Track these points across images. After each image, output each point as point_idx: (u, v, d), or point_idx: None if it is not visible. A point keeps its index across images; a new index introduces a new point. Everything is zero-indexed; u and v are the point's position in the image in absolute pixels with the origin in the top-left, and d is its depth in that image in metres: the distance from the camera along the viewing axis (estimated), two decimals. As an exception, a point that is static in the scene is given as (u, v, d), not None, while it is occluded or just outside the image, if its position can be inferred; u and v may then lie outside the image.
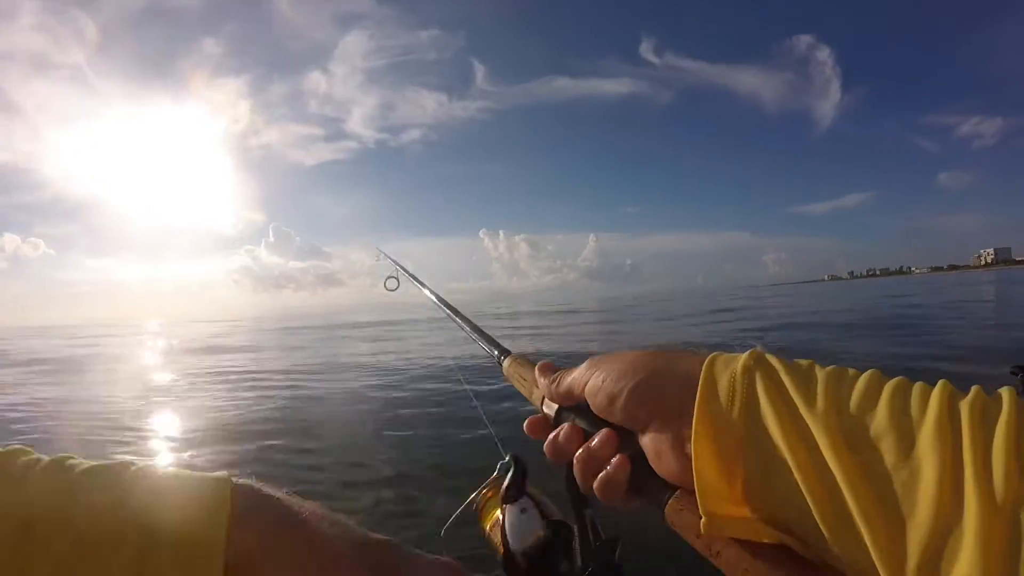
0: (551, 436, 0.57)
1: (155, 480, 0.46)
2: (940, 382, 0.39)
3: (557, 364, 0.64)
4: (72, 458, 0.46)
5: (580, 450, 0.53)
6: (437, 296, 1.02)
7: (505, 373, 0.75)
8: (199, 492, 0.45)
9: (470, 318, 0.91)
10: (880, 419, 0.37)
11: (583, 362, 0.57)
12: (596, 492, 0.52)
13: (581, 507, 0.59)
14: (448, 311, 0.97)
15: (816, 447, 0.38)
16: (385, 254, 1.39)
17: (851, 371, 0.42)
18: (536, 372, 0.65)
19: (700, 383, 0.44)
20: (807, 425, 0.39)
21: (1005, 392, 0.37)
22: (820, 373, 0.42)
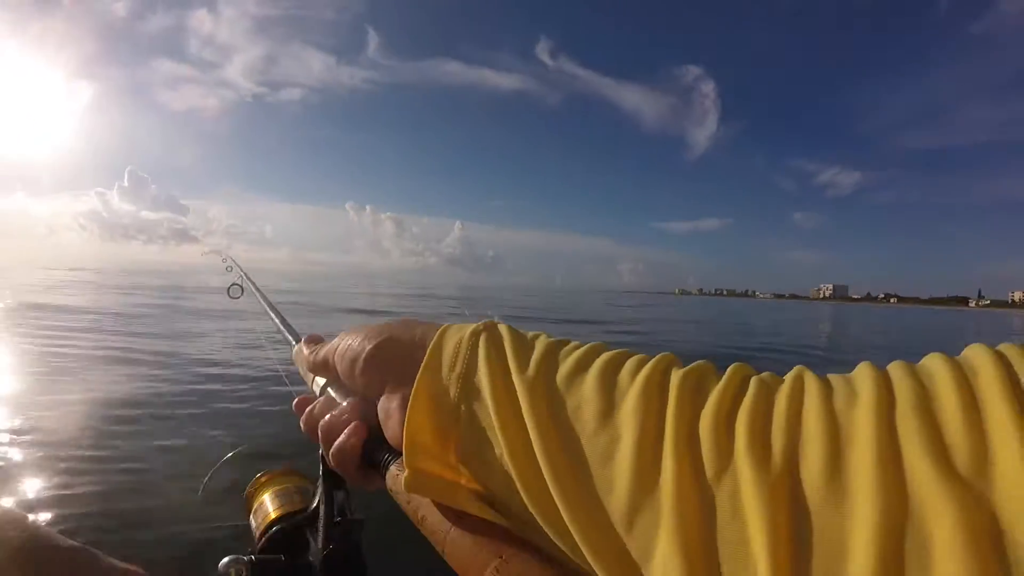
0: (307, 409, 0.55)
1: None
2: (661, 354, 0.37)
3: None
4: None
5: (324, 418, 0.51)
6: (277, 313, 0.93)
7: (294, 358, 0.71)
8: None
9: (295, 329, 0.84)
10: (587, 386, 0.36)
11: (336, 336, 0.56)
12: (333, 463, 0.49)
13: (330, 486, 0.57)
14: (265, 302, 0.99)
15: (521, 413, 0.37)
16: (234, 261, 1.33)
17: (574, 343, 0.41)
18: (302, 344, 0.64)
19: (429, 348, 0.43)
20: (516, 390, 0.38)
21: (732, 367, 0.35)
22: (542, 342, 0.42)
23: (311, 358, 0.57)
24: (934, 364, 0.29)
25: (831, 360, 13.30)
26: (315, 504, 0.62)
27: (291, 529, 0.65)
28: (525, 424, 0.36)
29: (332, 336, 0.59)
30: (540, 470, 0.34)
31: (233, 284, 1.18)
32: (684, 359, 0.38)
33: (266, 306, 0.96)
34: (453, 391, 0.40)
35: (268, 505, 0.70)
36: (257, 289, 1.12)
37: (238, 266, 1.29)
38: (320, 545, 0.58)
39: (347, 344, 0.51)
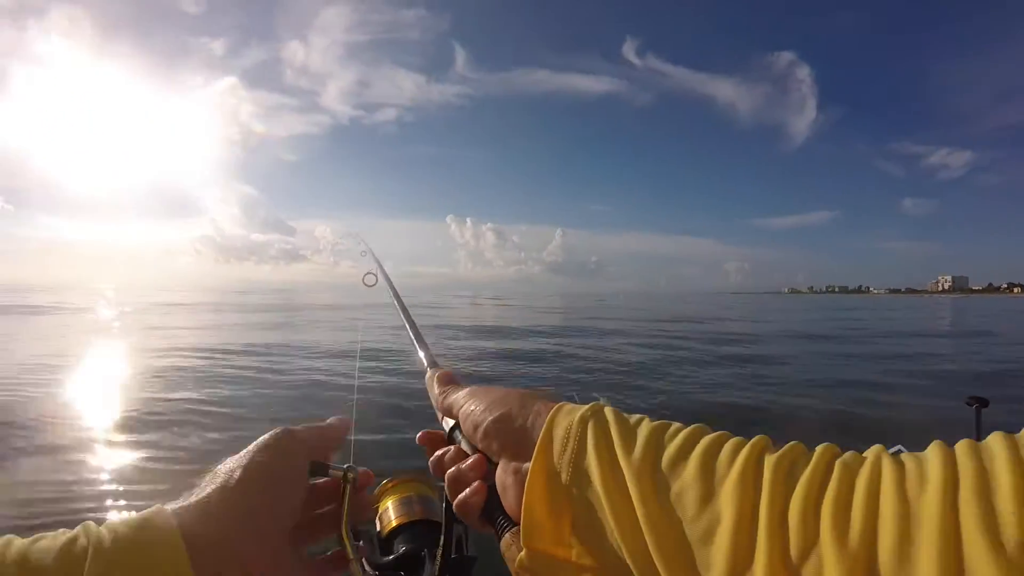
0: (436, 454, 0.61)
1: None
2: (756, 437, 0.42)
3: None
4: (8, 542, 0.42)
5: (452, 469, 0.57)
6: (401, 304, 1.08)
7: (426, 384, 0.76)
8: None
9: (419, 327, 0.95)
10: (689, 472, 0.41)
11: (469, 386, 0.63)
12: (456, 511, 0.56)
13: (450, 520, 0.62)
14: (404, 317, 1.03)
15: (629, 496, 0.42)
16: (369, 250, 1.37)
17: (675, 425, 0.46)
18: (435, 380, 0.69)
19: (543, 429, 0.49)
20: (624, 475, 0.43)
21: (819, 449, 0.39)
22: (645, 427, 0.46)
23: (441, 400, 0.64)
24: (996, 444, 0.32)
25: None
26: (438, 522, 0.67)
27: (410, 539, 0.72)
28: (633, 506, 0.41)
29: (460, 377, 0.69)
30: (648, 549, 0.39)
31: (368, 273, 1.23)
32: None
33: (400, 310, 1.02)
34: (565, 475, 0.45)
35: (391, 512, 0.75)
36: (387, 278, 1.19)
37: (372, 253, 1.33)
38: (436, 572, 0.65)
39: (471, 408, 0.57)
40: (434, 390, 0.70)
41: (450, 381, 0.68)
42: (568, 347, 12.39)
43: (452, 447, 0.61)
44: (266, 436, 0.54)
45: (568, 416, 0.48)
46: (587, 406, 0.50)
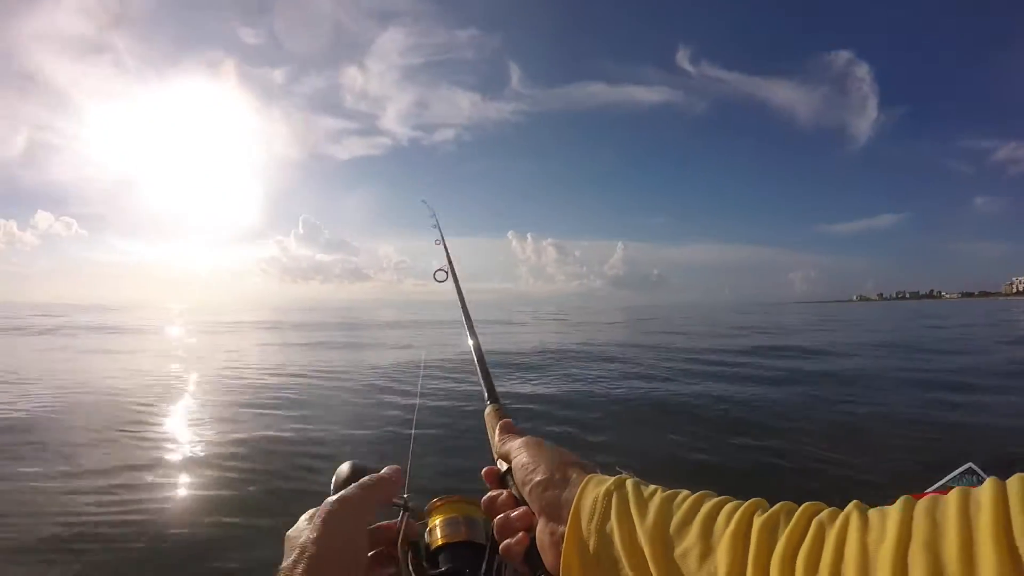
0: (491, 494, 0.71)
1: None
2: (750, 501, 0.51)
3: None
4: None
5: (501, 515, 0.68)
6: (466, 313, 1.10)
7: (485, 418, 0.85)
8: None
9: (484, 354, 0.98)
10: (692, 534, 0.50)
11: (523, 437, 0.72)
12: (500, 552, 0.66)
13: (494, 551, 0.69)
14: (469, 330, 1.05)
15: (645, 557, 0.51)
16: (445, 246, 1.39)
17: (683, 493, 0.55)
18: (494, 423, 0.81)
19: (575, 499, 0.59)
20: (640, 540, 0.52)
21: (801, 508, 0.48)
22: (658, 497, 0.55)
23: (499, 445, 0.75)
24: (951, 500, 0.38)
25: None
26: (482, 544, 0.76)
27: (454, 558, 0.76)
28: (648, 566, 0.50)
29: (515, 423, 0.79)
30: None
31: (439, 269, 1.25)
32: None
33: (467, 331, 1.04)
34: (593, 541, 0.55)
35: (439, 530, 0.80)
36: (454, 275, 1.21)
37: (445, 248, 1.36)
38: None
39: (521, 462, 0.67)
40: (492, 431, 0.80)
41: (509, 430, 0.78)
42: (625, 373, 11.81)
43: (505, 491, 0.71)
44: (322, 515, 0.62)
45: (596, 488, 0.58)
46: (612, 479, 0.59)
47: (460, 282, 1.28)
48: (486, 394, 0.88)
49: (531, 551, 0.63)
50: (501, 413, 0.84)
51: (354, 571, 0.61)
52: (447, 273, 1.27)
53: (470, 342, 1.04)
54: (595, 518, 0.56)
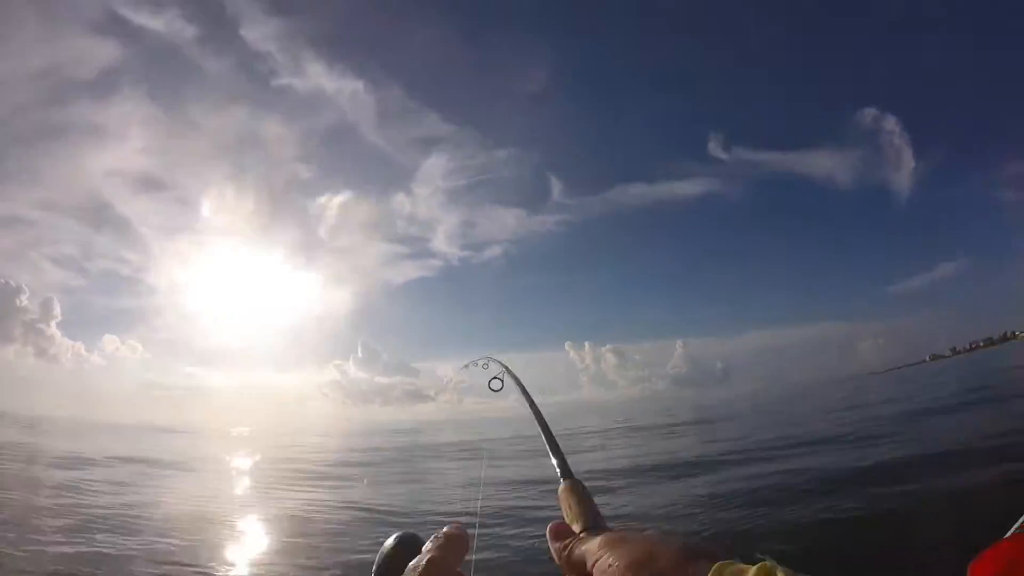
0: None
1: None
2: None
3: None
4: None
5: None
6: (531, 402, 1.02)
7: (559, 496, 0.74)
8: None
9: (555, 436, 0.89)
10: None
11: (599, 536, 0.58)
12: None
13: None
14: (537, 417, 0.94)
15: None
16: (494, 358, 1.38)
17: None
18: (549, 532, 0.66)
19: None
20: None
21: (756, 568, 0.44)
22: None
23: (563, 555, 0.61)
24: None
25: None
26: None
27: None
28: None
29: (592, 516, 0.66)
30: None
31: (494, 378, 1.21)
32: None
33: (529, 407, 0.95)
34: None
35: None
36: (515, 377, 1.14)
37: (501, 364, 1.32)
38: None
39: (609, 563, 0.53)
40: (568, 509, 0.70)
41: (565, 532, 0.65)
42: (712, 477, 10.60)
43: None
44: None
45: None
46: (753, 568, 0.44)
47: (517, 377, 1.28)
48: (558, 470, 0.78)
49: None
50: (581, 490, 0.73)
51: None
52: (501, 381, 1.19)
53: (534, 418, 0.93)
54: None
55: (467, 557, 0.61)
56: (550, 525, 0.66)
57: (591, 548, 0.56)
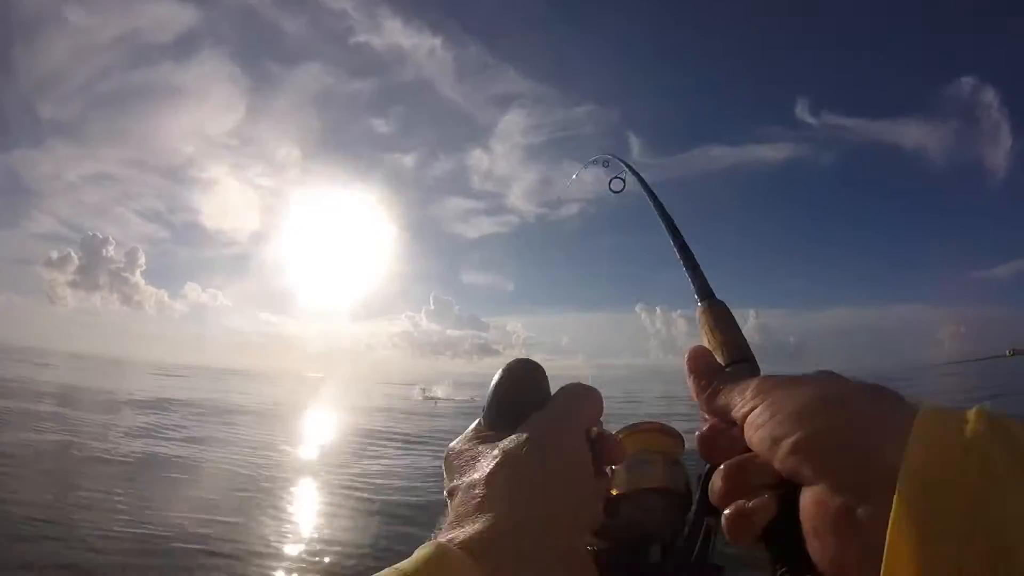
0: (714, 427, 0.45)
1: None
2: None
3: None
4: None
5: (731, 461, 0.42)
6: (658, 204, 0.81)
7: (697, 319, 0.58)
8: None
9: (689, 247, 0.70)
10: None
11: (753, 381, 0.43)
12: (724, 519, 0.42)
13: (704, 512, 0.48)
14: (665, 222, 0.77)
15: None
16: (616, 156, 1.09)
17: None
18: (688, 360, 0.51)
19: (908, 451, 0.31)
20: None
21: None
22: None
23: (705, 400, 0.47)
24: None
25: None
26: (681, 498, 0.57)
27: (638, 509, 0.57)
28: None
29: (739, 361, 0.49)
30: None
31: (615, 177, 1.03)
32: None
33: (663, 223, 0.76)
34: (964, 525, 0.28)
35: (623, 472, 0.59)
36: (643, 181, 0.93)
37: (624, 162, 1.05)
38: (672, 558, 0.53)
39: (767, 414, 0.39)
40: (709, 335, 0.54)
41: (713, 371, 0.49)
42: None
43: (732, 430, 0.44)
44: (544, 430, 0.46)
45: (950, 430, 0.31)
46: (971, 412, 0.32)
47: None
48: (696, 294, 0.61)
49: (778, 528, 0.39)
50: (724, 313, 0.57)
51: (582, 519, 0.44)
52: (623, 180, 1.00)
53: (668, 235, 0.75)
54: (971, 480, 0.29)
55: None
56: (691, 349, 0.52)
57: (744, 394, 0.42)
